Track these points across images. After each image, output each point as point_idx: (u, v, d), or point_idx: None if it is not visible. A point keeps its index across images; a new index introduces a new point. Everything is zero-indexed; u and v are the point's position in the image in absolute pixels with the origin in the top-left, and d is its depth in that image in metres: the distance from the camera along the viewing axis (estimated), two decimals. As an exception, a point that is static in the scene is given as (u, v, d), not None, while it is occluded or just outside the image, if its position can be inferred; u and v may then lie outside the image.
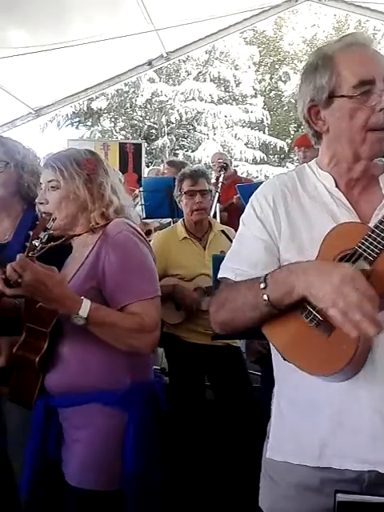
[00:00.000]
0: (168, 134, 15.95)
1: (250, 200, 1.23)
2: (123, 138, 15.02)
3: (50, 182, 1.51)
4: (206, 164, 12.14)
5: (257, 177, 14.34)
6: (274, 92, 19.12)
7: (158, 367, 3.24)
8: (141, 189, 3.71)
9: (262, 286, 1.04)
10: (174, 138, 16.37)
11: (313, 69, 1.13)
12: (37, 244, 1.32)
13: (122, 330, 1.39)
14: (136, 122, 16.45)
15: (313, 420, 1.11)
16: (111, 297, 1.43)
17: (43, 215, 1.36)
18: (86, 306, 1.34)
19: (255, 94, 17.40)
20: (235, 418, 2.56)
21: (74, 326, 1.37)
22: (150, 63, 5.70)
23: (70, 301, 1.34)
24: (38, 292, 1.30)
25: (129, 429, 1.43)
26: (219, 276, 1.21)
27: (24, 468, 1.53)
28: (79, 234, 1.52)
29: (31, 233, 1.37)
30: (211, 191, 2.80)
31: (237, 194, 3.86)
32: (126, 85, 14.05)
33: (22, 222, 1.89)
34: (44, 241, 1.34)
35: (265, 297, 1.03)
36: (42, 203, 1.53)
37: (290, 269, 1.03)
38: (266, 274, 1.05)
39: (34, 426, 1.52)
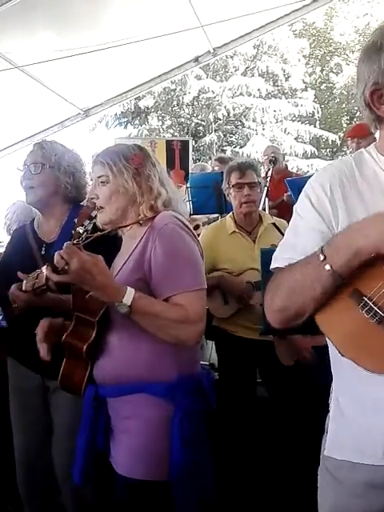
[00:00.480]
0: (215, 131, 15.90)
1: (304, 189, 1.17)
2: (170, 136, 15.09)
3: (99, 177, 1.56)
4: (255, 160, 12.01)
5: (308, 171, 14.04)
6: (325, 84, 18.67)
7: (207, 362, 3.21)
8: (188, 185, 3.69)
9: (321, 258, 0.99)
10: (222, 135, 16.30)
11: (376, 49, 1.04)
12: (81, 231, 1.35)
13: (165, 320, 1.40)
14: (183, 119, 16.50)
15: (376, 418, 1.06)
16: (156, 288, 1.45)
17: (87, 204, 1.36)
18: (129, 295, 1.36)
19: (305, 87, 17.07)
20: (289, 415, 2.48)
21: (122, 316, 1.39)
22: (196, 60, 5.67)
23: (114, 289, 1.37)
24: (83, 279, 1.33)
25: (175, 420, 1.44)
26: (271, 267, 1.17)
27: (76, 457, 1.58)
28: (127, 225, 1.54)
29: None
30: (260, 184, 2.72)
31: (287, 191, 3.77)
32: (172, 82, 14.09)
33: (67, 221, 1.96)
34: (89, 229, 1.36)
35: (327, 267, 0.98)
36: (93, 198, 1.57)
37: (352, 228, 0.98)
38: (322, 247, 1.01)
39: (85, 416, 1.56)
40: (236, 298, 2.55)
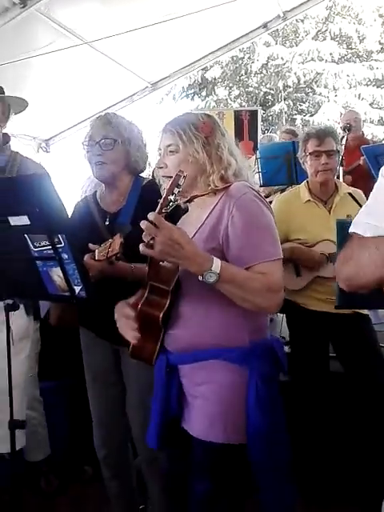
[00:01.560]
0: (285, 99, 15.41)
1: None
2: (238, 106, 14.81)
3: (168, 146, 1.55)
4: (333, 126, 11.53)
5: None
6: (403, 45, 17.47)
7: (278, 336, 3.17)
8: (257, 156, 3.60)
9: None
10: (292, 103, 15.77)
11: None
12: (172, 198, 1.32)
13: (250, 289, 1.40)
14: (251, 88, 16.09)
15: None
16: (237, 257, 1.43)
17: (177, 173, 1.35)
18: (217, 264, 1.35)
19: (381, 49, 16.06)
20: (364, 391, 2.40)
21: (194, 285, 1.40)
22: (265, 26, 5.50)
23: (202, 258, 1.36)
24: (171, 250, 1.31)
25: (251, 384, 1.45)
26: (350, 230, 1.14)
27: (150, 422, 1.63)
28: (201, 195, 1.53)
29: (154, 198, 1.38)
30: (339, 152, 2.58)
31: (362, 156, 3.59)
32: (240, 51, 13.76)
33: (131, 192, 1.98)
34: (176, 198, 1.34)
35: None
36: (161, 168, 1.58)
37: None
38: None
39: (158, 383, 1.60)
40: (309, 269, 2.48)
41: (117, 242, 1.68)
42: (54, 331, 2.68)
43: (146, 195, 1.90)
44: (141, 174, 2.08)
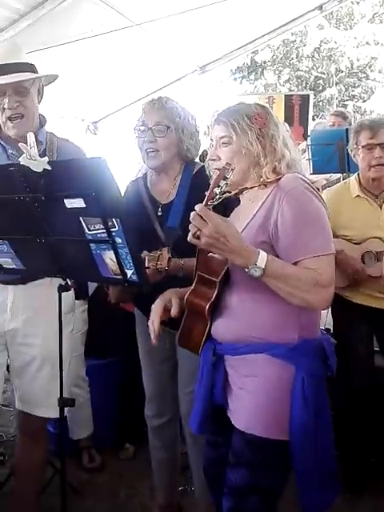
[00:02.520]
0: (336, 84, 14.97)
1: None
2: (288, 90, 14.50)
3: (221, 138, 1.52)
4: (379, 115, 11.17)
5: None
6: None
7: (323, 327, 3.13)
8: (308, 142, 3.51)
9: None
10: (343, 88, 15.30)
11: None
12: (217, 192, 1.32)
13: (297, 284, 1.37)
14: (302, 72, 15.69)
15: None
16: (285, 251, 1.41)
17: (223, 165, 1.34)
18: (263, 257, 1.34)
19: None
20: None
21: (244, 277, 1.39)
22: (320, 8, 5.31)
23: (248, 252, 1.34)
24: (217, 243, 1.31)
25: (297, 381, 1.43)
26: None
27: (194, 408, 1.65)
28: (251, 187, 1.51)
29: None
30: None
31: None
32: (292, 34, 13.42)
33: (182, 181, 1.96)
34: (222, 191, 1.33)
35: None
36: (213, 160, 1.55)
37: None
38: None
39: (204, 371, 1.60)
40: (347, 275, 2.41)
41: (165, 256, 1.72)
42: (102, 311, 2.74)
43: (198, 184, 1.88)
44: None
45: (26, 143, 1.35)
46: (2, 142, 1.82)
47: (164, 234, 1.92)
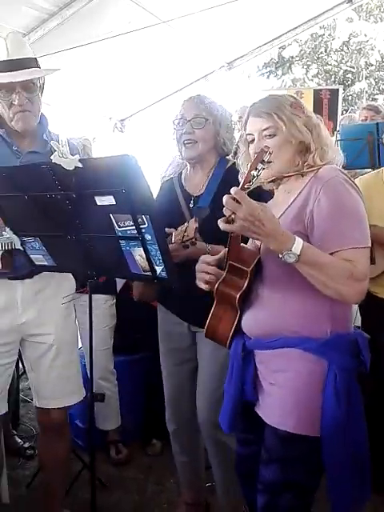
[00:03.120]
0: (366, 78, 14.69)
1: None
2: (316, 85, 14.31)
3: (264, 129, 1.50)
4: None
5: None
6: None
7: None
8: (338, 137, 3.46)
9: None
10: (374, 82, 15.01)
11: None
12: (254, 174, 1.29)
13: (331, 274, 1.34)
14: (330, 67, 15.46)
15: None
16: (321, 242, 1.38)
17: (262, 148, 1.33)
18: (299, 243, 1.31)
19: None
20: None
21: (276, 268, 1.38)
22: (349, 0, 5.23)
23: (284, 236, 1.32)
24: (252, 226, 1.28)
25: (329, 377, 1.41)
26: None
27: (224, 405, 1.64)
28: (287, 176, 1.50)
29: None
30: None
31: None
32: (320, 28, 13.22)
33: (214, 174, 1.98)
34: (259, 174, 1.31)
35: None
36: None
37: None
38: None
39: (233, 366, 1.59)
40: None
41: (192, 226, 1.69)
42: (131, 307, 2.76)
43: (229, 177, 1.89)
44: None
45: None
46: (6, 138, 1.84)
47: (192, 214, 1.92)
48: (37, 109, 1.82)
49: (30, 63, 1.77)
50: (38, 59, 1.82)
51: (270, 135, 1.49)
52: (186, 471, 2.28)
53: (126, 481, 2.70)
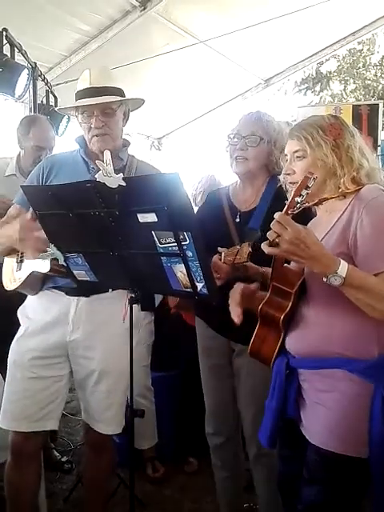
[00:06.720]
0: (406, 93, 14.48)
1: None
2: (355, 100, 14.17)
3: (295, 152, 1.53)
4: None
5: None
6: None
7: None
8: (378, 153, 3.41)
9: None
10: (414, 97, 14.79)
11: None
12: (299, 200, 1.31)
13: (378, 296, 1.32)
14: (369, 82, 15.31)
15: None
16: (365, 262, 1.37)
17: (306, 175, 1.34)
18: (344, 266, 1.31)
19: None
20: None
21: (320, 289, 1.38)
22: (389, 14, 5.18)
23: (328, 259, 1.32)
24: (297, 249, 1.30)
25: (376, 399, 1.38)
26: None
27: (264, 421, 1.63)
28: (330, 198, 1.49)
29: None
30: None
31: None
32: (359, 43, 13.14)
33: (266, 192, 1.99)
34: (303, 200, 1.32)
35: None
36: (288, 174, 1.56)
37: None
38: None
39: (276, 384, 1.57)
40: None
41: (245, 250, 1.69)
42: (166, 323, 2.77)
43: (281, 196, 1.87)
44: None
45: (104, 160, 1.40)
46: (85, 158, 1.94)
47: (242, 235, 1.91)
48: (114, 133, 1.90)
49: (111, 91, 1.87)
50: (122, 89, 1.93)
51: (299, 157, 1.52)
52: (226, 488, 2.26)
53: (163, 499, 2.69)
